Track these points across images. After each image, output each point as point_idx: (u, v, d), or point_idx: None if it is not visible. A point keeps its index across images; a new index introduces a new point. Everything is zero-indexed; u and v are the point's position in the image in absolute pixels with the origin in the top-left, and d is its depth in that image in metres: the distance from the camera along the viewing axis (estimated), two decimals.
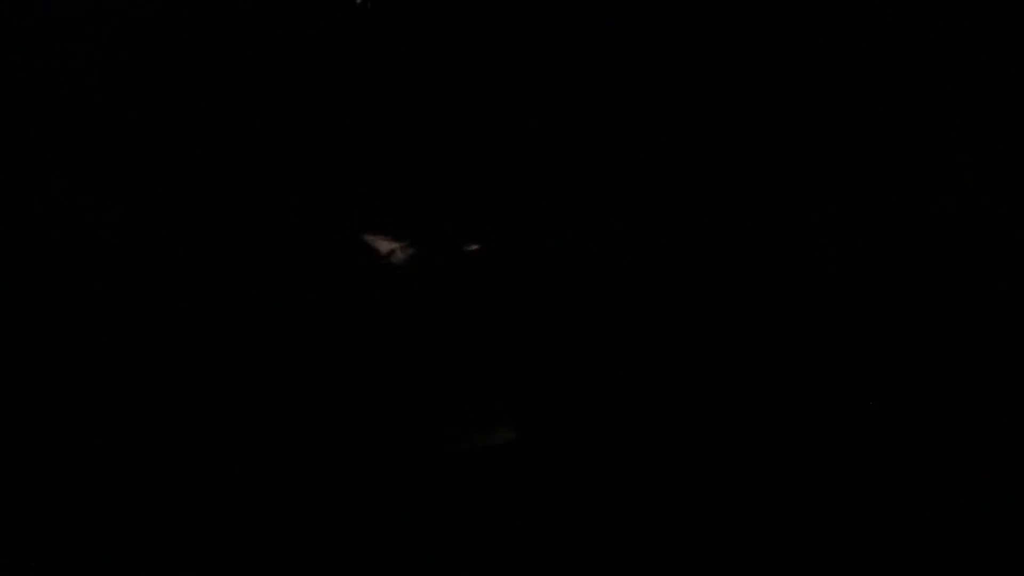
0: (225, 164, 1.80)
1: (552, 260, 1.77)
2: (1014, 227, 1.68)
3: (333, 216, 1.80)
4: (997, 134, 1.70)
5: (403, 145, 1.82)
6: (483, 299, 1.76)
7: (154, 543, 1.59)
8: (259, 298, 1.74)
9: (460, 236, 1.80)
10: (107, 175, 1.77)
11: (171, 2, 1.78)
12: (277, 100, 1.80)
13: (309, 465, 1.65)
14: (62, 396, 1.68)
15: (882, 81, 1.73)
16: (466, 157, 1.81)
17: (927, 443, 1.65)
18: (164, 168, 1.79)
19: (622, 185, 1.78)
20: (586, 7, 1.76)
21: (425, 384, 1.72)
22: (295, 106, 1.81)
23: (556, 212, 1.79)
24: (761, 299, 1.73)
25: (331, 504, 1.61)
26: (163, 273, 1.75)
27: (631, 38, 1.76)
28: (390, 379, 1.72)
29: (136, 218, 1.77)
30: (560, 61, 1.78)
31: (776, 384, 1.69)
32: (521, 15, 1.77)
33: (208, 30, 1.78)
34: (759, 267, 1.74)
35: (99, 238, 1.75)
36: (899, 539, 1.60)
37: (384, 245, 1.79)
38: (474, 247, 1.78)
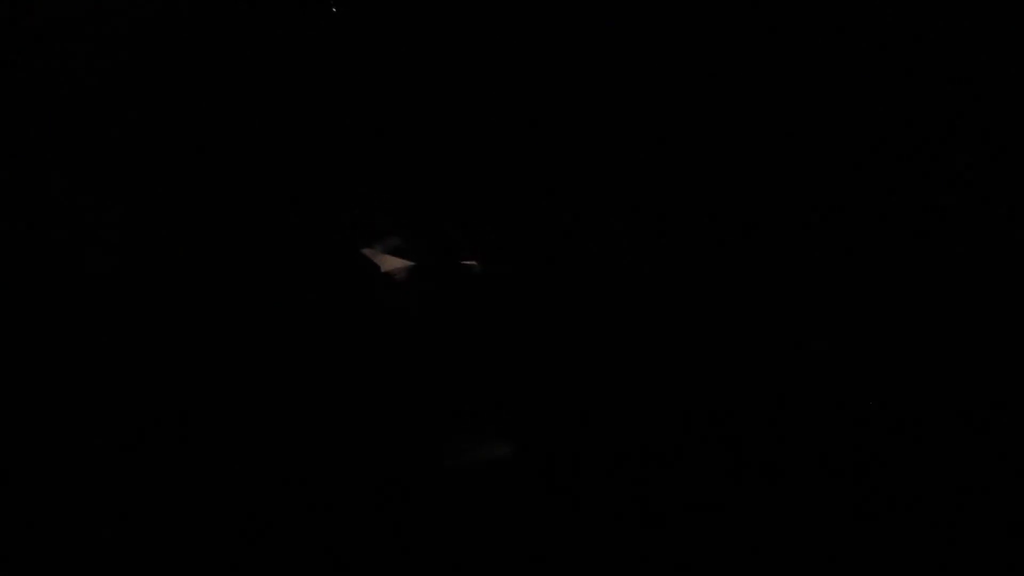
0: (225, 164, 1.80)
1: (551, 264, 1.77)
2: (1014, 227, 1.68)
3: (332, 216, 1.80)
4: (997, 134, 1.70)
5: (402, 145, 1.82)
6: (482, 311, 1.76)
7: (153, 543, 1.59)
8: (259, 301, 1.74)
9: (459, 240, 1.80)
10: (107, 175, 1.77)
11: (171, 2, 1.78)
12: (277, 100, 1.80)
13: (307, 473, 1.65)
14: (62, 396, 1.68)
15: (882, 81, 1.73)
16: (465, 156, 1.81)
17: (927, 442, 1.65)
18: (164, 168, 1.79)
19: (622, 185, 1.78)
20: (586, 6, 1.76)
21: (423, 397, 1.72)
22: (295, 106, 1.81)
23: (555, 212, 1.79)
24: (761, 299, 1.73)
25: (329, 514, 1.61)
26: (163, 274, 1.75)
27: (631, 38, 1.76)
28: (388, 390, 1.72)
29: (136, 218, 1.77)
30: (559, 61, 1.78)
31: (777, 389, 1.69)
32: (520, 14, 1.77)
33: (208, 30, 1.78)
34: (759, 267, 1.74)
35: (99, 238, 1.75)
36: (899, 539, 1.60)
37: (385, 258, 1.79)
38: (472, 260, 1.78)
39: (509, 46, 1.79)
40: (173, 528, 1.61)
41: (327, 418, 1.70)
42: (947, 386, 1.67)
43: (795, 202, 1.74)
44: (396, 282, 1.77)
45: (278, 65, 1.80)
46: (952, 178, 1.71)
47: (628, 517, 1.64)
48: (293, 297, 1.74)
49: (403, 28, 1.80)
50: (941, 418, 1.65)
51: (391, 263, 1.79)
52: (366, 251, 1.79)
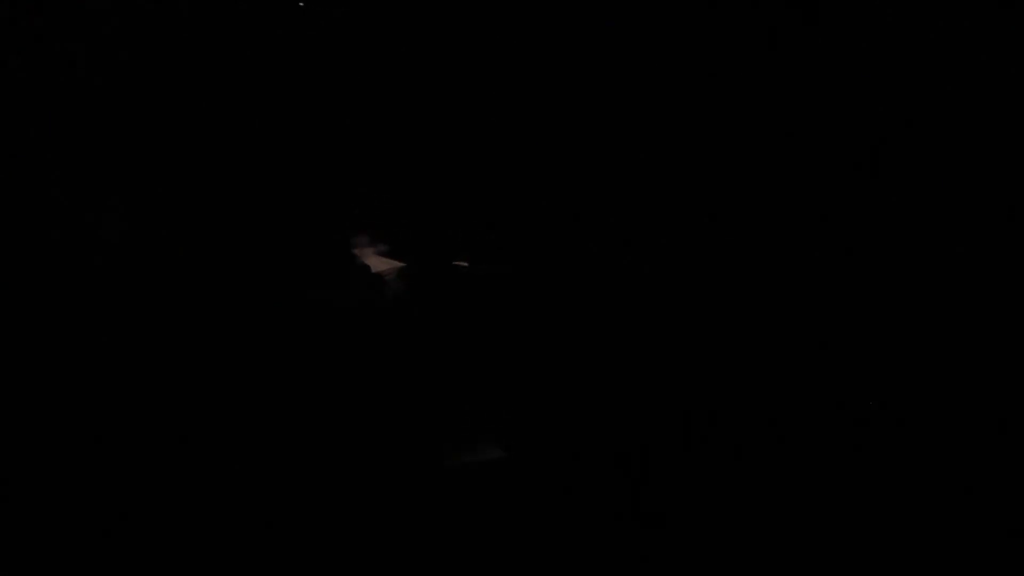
0: (226, 164, 1.80)
1: (549, 265, 1.77)
2: (1013, 227, 1.68)
3: (324, 218, 1.80)
4: (997, 134, 1.70)
5: (401, 145, 1.82)
6: (477, 314, 1.77)
7: (151, 542, 1.59)
8: (254, 301, 1.74)
9: (456, 241, 1.80)
10: (107, 175, 1.77)
11: (171, 2, 1.78)
12: (275, 102, 1.80)
13: (300, 472, 1.65)
14: (62, 395, 1.68)
15: (881, 81, 1.72)
16: (457, 157, 1.81)
17: (927, 442, 1.65)
18: (164, 168, 1.79)
19: (622, 185, 1.78)
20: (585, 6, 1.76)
21: (415, 398, 1.72)
22: (292, 108, 1.81)
23: (556, 212, 1.79)
24: (761, 299, 1.73)
25: (322, 513, 1.61)
26: (163, 273, 1.75)
27: (631, 38, 1.76)
28: (381, 391, 1.72)
29: (136, 218, 1.77)
30: (558, 60, 1.78)
31: (777, 389, 1.69)
32: (515, 15, 1.77)
33: (208, 31, 1.78)
34: (758, 267, 1.74)
35: (99, 238, 1.75)
36: (899, 539, 1.60)
37: (376, 260, 1.79)
38: (466, 263, 1.78)
39: (504, 47, 1.78)
40: (169, 526, 1.61)
41: (320, 418, 1.70)
42: (947, 386, 1.66)
43: (795, 202, 1.74)
44: (387, 283, 1.77)
45: (276, 67, 1.80)
46: (952, 178, 1.71)
47: (622, 517, 1.64)
48: (287, 297, 1.75)
49: (397, 31, 1.80)
50: (941, 418, 1.65)
51: (382, 264, 1.79)
52: (357, 252, 1.79)
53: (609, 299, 1.76)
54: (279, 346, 1.73)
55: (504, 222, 1.80)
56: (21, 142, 1.75)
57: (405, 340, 1.75)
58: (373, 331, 1.75)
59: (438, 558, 1.59)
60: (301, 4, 1.73)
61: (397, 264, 1.79)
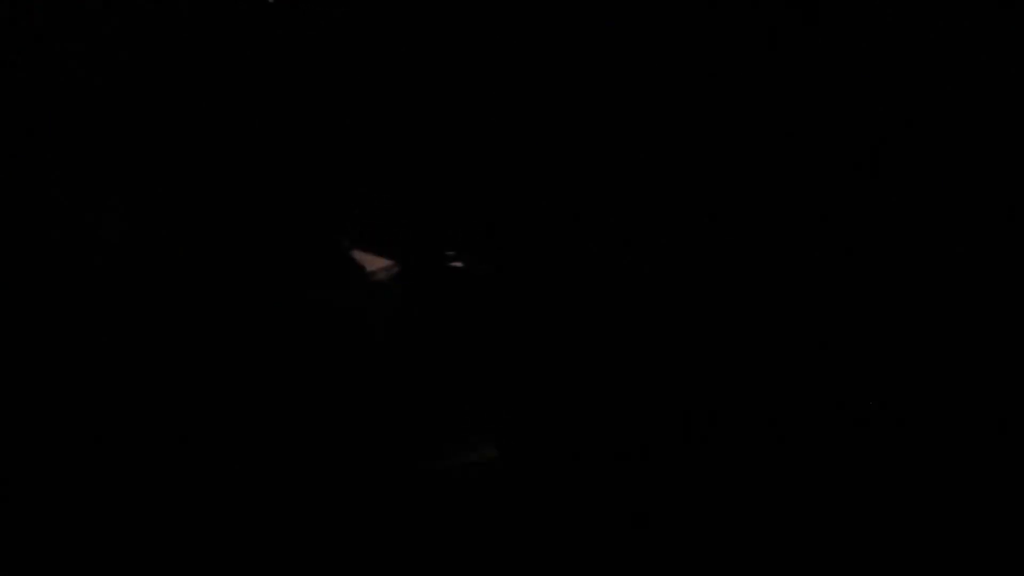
0: (226, 164, 1.80)
1: (547, 263, 1.77)
2: (1013, 226, 1.68)
3: (318, 216, 1.80)
4: (998, 134, 1.70)
5: (401, 145, 1.82)
6: (466, 313, 1.76)
7: (149, 541, 1.59)
8: (249, 301, 1.74)
9: (452, 241, 1.80)
10: (107, 175, 1.77)
11: (171, 2, 1.78)
12: (277, 100, 1.80)
13: (294, 475, 1.65)
14: (62, 396, 1.68)
15: (882, 80, 1.73)
16: (464, 154, 1.81)
17: (927, 442, 1.65)
18: (164, 168, 1.79)
19: (622, 185, 1.78)
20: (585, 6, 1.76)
21: (404, 399, 1.72)
22: (295, 106, 1.81)
23: (556, 211, 1.79)
24: (760, 299, 1.73)
25: (315, 516, 1.61)
26: (163, 273, 1.75)
27: (630, 38, 1.76)
28: (369, 392, 1.72)
29: (136, 218, 1.77)
30: (557, 60, 1.78)
31: (777, 388, 1.69)
32: (508, 14, 1.77)
33: (207, 30, 1.78)
34: (758, 267, 1.74)
35: (99, 238, 1.75)
36: (899, 539, 1.60)
37: (370, 258, 1.79)
38: (458, 262, 1.78)
39: (499, 46, 1.78)
40: (168, 526, 1.61)
41: (314, 419, 1.70)
42: (947, 386, 1.66)
43: (795, 202, 1.74)
44: (380, 282, 1.76)
45: (275, 67, 1.80)
46: (952, 178, 1.71)
47: (618, 520, 1.64)
48: (282, 298, 1.75)
49: (390, 32, 1.80)
50: (941, 418, 1.65)
51: (375, 263, 1.79)
52: (353, 251, 1.79)
53: (609, 299, 1.76)
54: (278, 345, 1.73)
55: (503, 222, 1.80)
56: (21, 142, 1.75)
57: (401, 339, 1.75)
58: (369, 331, 1.75)
59: (437, 558, 1.59)
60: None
61: (391, 263, 1.79)
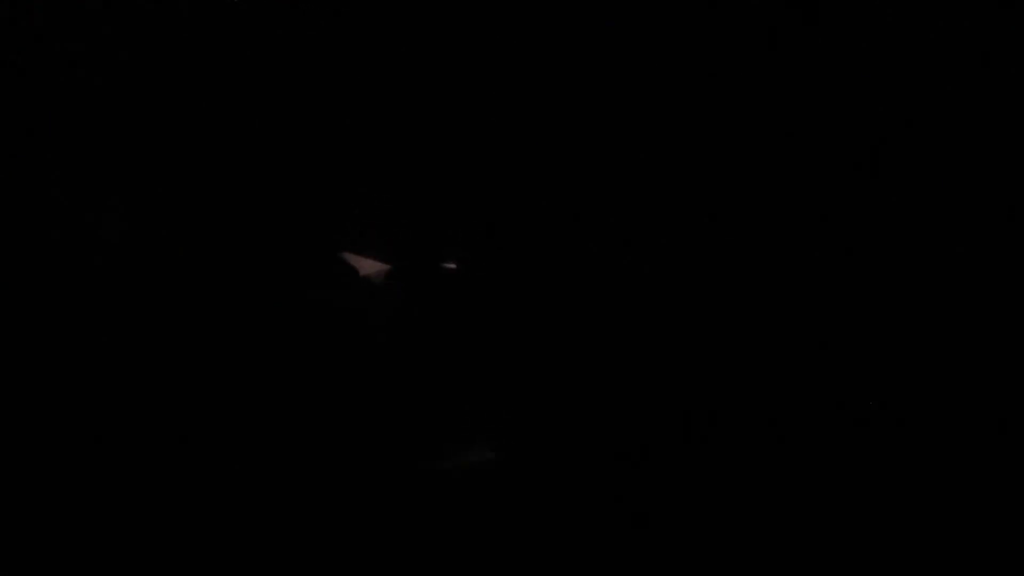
0: (226, 164, 1.80)
1: (547, 264, 1.77)
2: (1014, 227, 1.68)
3: (313, 220, 1.80)
4: (1000, 134, 1.70)
5: (401, 145, 1.82)
6: (465, 314, 1.76)
7: (151, 542, 1.59)
8: (254, 302, 1.74)
9: (452, 241, 1.79)
10: (107, 175, 1.77)
11: (171, 2, 1.78)
12: (277, 100, 1.80)
13: (291, 475, 1.65)
14: (61, 395, 1.68)
15: (883, 79, 1.72)
16: (464, 154, 1.81)
17: (927, 442, 1.65)
18: (164, 168, 1.79)
19: (621, 185, 1.78)
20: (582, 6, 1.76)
21: (404, 399, 1.72)
22: (295, 106, 1.81)
23: (556, 211, 1.79)
24: (759, 299, 1.73)
25: (305, 516, 1.61)
26: (162, 273, 1.75)
27: (630, 37, 1.76)
28: (371, 394, 1.72)
29: (136, 218, 1.77)
30: (556, 60, 1.78)
31: (777, 388, 1.69)
32: (506, 15, 1.77)
33: (207, 30, 1.78)
34: (757, 267, 1.74)
35: (99, 238, 1.75)
36: (899, 539, 1.60)
37: (364, 262, 1.79)
38: (454, 264, 1.78)
39: (499, 47, 1.78)
40: (168, 526, 1.61)
41: (314, 419, 1.70)
42: (947, 386, 1.66)
43: (795, 202, 1.74)
44: (375, 286, 1.76)
45: (274, 67, 1.80)
46: (951, 178, 1.71)
47: (616, 520, 1.64)
48: (283, 297, 1.75)
49: (391, 33, 1.80)
50: (941, 418, 1.65)
51: (370, 267, 1.79)
52: (346, 255, 1.79)
53: (608, 299, 1.76)
54: (278, 345, 1.73)
55: (502, 222, 1.80)
56: (21, 142, 1.75)
57: (401, 340, 1.75)
58: (367, 333, 1.75)
59: (436, 558, 1.59)
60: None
61: (386, 267, 1.79)
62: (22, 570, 1.57)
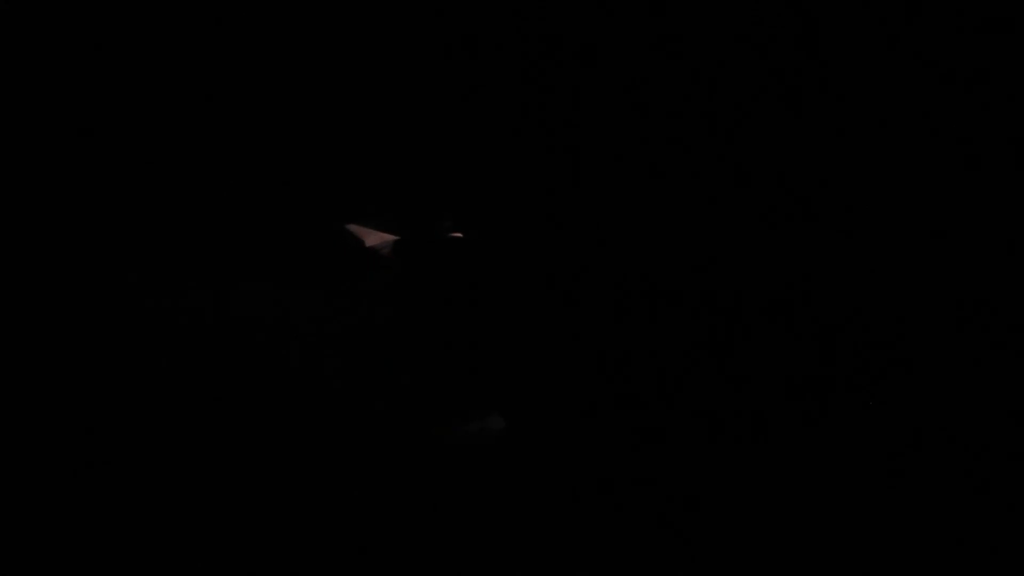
0: (226, 160, 1.80)
1: (549, 265, 1.77)
2: (1014, 227, 1.68)
3: (319, 194, 1.79)
4: (998, 134, 1.70)
5: (403, 141, 1.82)
6: (470, 286, 1.75)
7: (153, 540, 1.59)
8: (256, 287, 1.74)
9: (457, 224, 1.79)
10: (107, 175, 1.78)
11: (170, 2, 1.78)
12: (273, 95, 1.81)
13: (299, 454, 1.64)
14: (61, 395, 1.68)
15: (887, 79, 1.72)
16: (463, 151, 1.81)
17: (927, 442, 1.65)
18: (164, 167, 1.79)
19: (622, 184, 1.78)
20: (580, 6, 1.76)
21: (413, 374, 1.71)
22: (296, 101, 1.81)
23: (556, 211, 1.79)
24: (760, 299, 1.73)
25: (319, 492, 1.60)
26: (163, 264, 1.76)
27: (629, 37, 1.77)
28: (377, 369, 1.71)
29: (135, 211, 1.77)
30: (552, 61, 1.78)
31: (776, 389, 1.69)
32: (510, 13, 1.77)
33: (207, 30, 1.79)
34: (757, 268, 1.74)
35: (99, 238, 1.76)
36: (899, 538, 1.60)
37: (370, 233, 1.78)
38: (463, 235, 1.77)
39: (501, 43, 1.79)
40: (166, 525, 1.61)
41: (318, 399, 1.69)
42: (947, 386, 1.66)
43: (795, 202, 1.74)
44: (381, 256, 1.75)
45: (275, 63, 1.80)
46: (952, 178, 1.71)
47: (621, 500, 1.63)
48: (283, 276, 1.74)
49: (395, 26, 1.80)
50: (941, 418, 1.65)
51: (376, 238, 1.78)
52: (351, 226, 1.78)
53: (609, 300, 1.76)
54: (278, 334, 1.72)
55: (505, 222, 1.81)
56: (22, 142, 1.76)
57: (400, 315, 1.74)
58: (367, 307, 1.74)
59: (443, 535, 1.58)
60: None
61: (393, 237, 1.78)
62: (22, 570, 1.57)
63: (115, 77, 1.77)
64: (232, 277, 1.75)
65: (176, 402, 1.68)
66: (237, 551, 1.58)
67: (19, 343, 1.70)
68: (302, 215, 1.79)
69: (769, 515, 1.63)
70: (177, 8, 1.77)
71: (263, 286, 1.74)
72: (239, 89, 1.80)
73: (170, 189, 1.79)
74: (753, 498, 1.64)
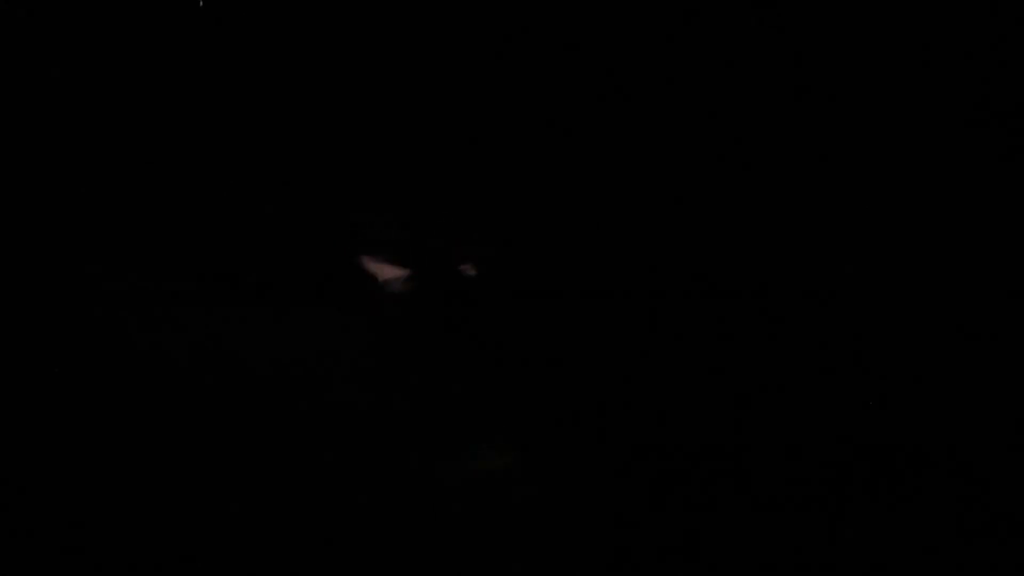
0: (227, 162, 1.80)
1: (550, 265, 1.77)
2: (1013, 226, 1.68)
3: (332, 226, 1.80)
4: (1005, 135, 1.70)
5: (405, 146, 1.82)
6: (481, 319, 1.76)
7: (152, 544, 1.59)
8: (261, 293, 1.74)
9: (461, 247, 1.79)
10: (107, 173, 1.78)
11: (168, 8, 1.78)
12: (281, 99, 1.81)
13: (304, 479, 1.64)
14: (61, 396, 1.68)
15: (889, 80, 1.73)
16: (467, 155, 1.81)
17: (927, 442, 1.65)
18: (164, 167, 1.79)
19: (623, 188, 1.78)
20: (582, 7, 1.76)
21: (422, 407, 1.72)
22: (298, 106, 1.81)
23: (558, 213, 1.79)
24: (760, 299, 1.73)
25: (321, 528, 1.61)
26: (164, 270, 1.76)
27: (629, 37, 1.77)
28: (386, 400, 1.72)
29: (136, 212, 1.77)
30: (556, 62, 1.78)
31: (776, 390, 1.69)
32: (515, 18, 1.77)
33: (207, 29, 1.79)
34: (758, 266, 1.74)
35: (98, 237, 1.76)
36: (898, 538, 1.60)
37: (383, 267, 1.79)
38: (471, 267, 1.78)
39: (505, 50, 1.79)
40: (166, 525, 1.61)
41: (325, 424, 1.70)
42: (947, 386, 1.67)
43: (795, 202, 1.74)
44: (394, 290, 1.77)
45: (277, 67, 1.80)
46: (951, 178, 1.71)
47: (628, 523, 1.63)
48: (295, 304, 1.74)
49: (399, 31, 1.80)
50: (941, 418, 1.66)
51: (389, 272, 1.79)
52: (364, 259, 1.79)
53: (609, 300, 1.76)
54: (283, 351, 1.73)
55: (510, 227, 1.81)
56: (21, 141, 1.76)
57: (412, 346, 1.75)
58: (379, 337, 1.74)
59: (452, 559, 1.59)
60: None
61: (405, 271, 1.79)
62: (22, 570, 1.56)
63: (115, 77, 1.77)
64: (236, 296, 1.76)
65: (176, 411, 1.68)
66: (238, 551, 1.59)
67: (19, 344, 1.70)
68: (302, 214, 1.80)
69: (769, 515, 1.63)
70: (177, 8, 1.77)
71: (264, 311, 1.74)
72: (239, 89, 1.80)
73: (170, 191, 1.80)
74: (753, 498, 1.64)
